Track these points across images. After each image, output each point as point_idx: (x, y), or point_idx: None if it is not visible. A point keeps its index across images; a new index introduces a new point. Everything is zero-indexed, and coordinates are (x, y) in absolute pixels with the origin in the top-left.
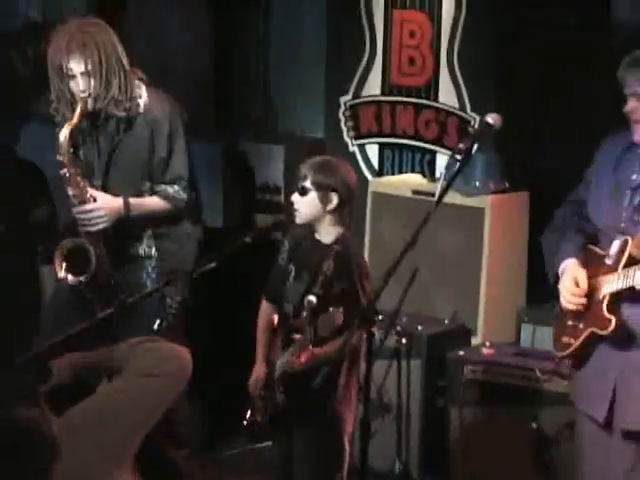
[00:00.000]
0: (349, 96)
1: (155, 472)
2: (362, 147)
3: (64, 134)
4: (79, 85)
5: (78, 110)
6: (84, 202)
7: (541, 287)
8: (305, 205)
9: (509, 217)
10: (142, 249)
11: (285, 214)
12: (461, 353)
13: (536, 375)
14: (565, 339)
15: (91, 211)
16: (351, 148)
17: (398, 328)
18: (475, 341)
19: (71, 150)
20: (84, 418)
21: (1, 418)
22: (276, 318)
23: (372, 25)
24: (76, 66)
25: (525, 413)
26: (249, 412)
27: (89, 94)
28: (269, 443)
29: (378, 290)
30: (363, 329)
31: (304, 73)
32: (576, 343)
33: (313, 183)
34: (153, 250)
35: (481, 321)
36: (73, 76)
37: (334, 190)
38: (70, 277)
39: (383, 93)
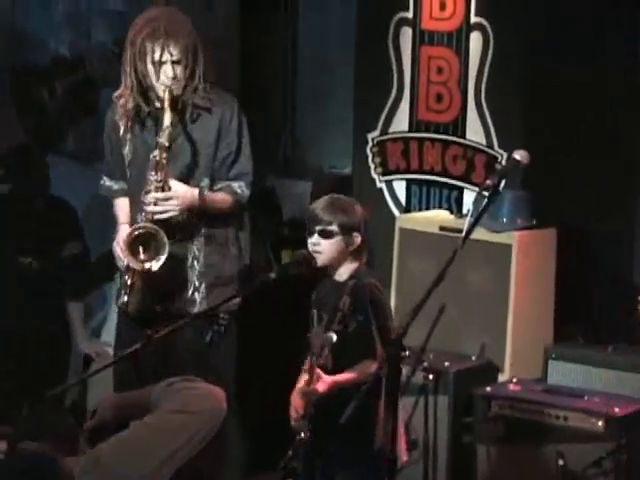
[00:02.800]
0: (377, 132)
1: None
2: (389, 183)
3: (168, 117)
4: (169, 72)
5: (167, 95)
6: (161, 189)
7: (568, 324)
8: (329, 248)
9: (536, 253)
10: (192, 252)
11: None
12: (488, 389)
13: (563, 412)
14: None
15: (167, 199)
16: (378, 184)
17: (425, 364)
18: (502, 378)
19: (170, 135)
20: (112, 450)
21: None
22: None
23: (400, 61)
24: (169, 53)
25: (552, 450)
26: (289, 454)
27: (177, 81)
28: None
29: (405, 326)
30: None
31: (332, 109)
32: None
33: (339, 226)
34: (202, 255)
35: (508, 358)
36: (163, 63)
37: (356, 230)
38: (147, 265)
39: (410, 129)
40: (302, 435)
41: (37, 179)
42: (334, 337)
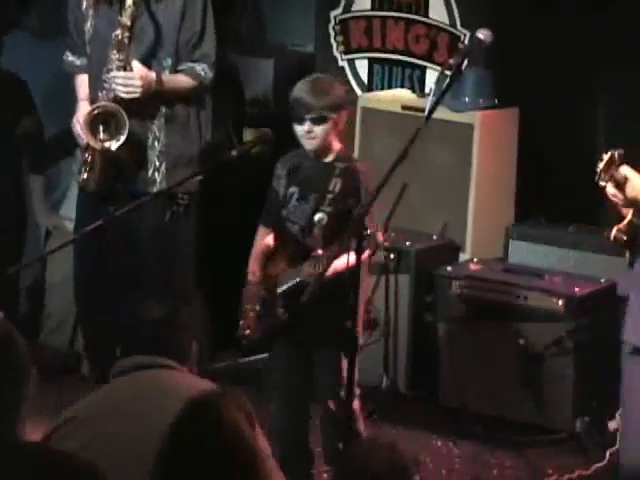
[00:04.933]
0: (339, 10)
1: None
2: (352, 62)
3: None
4: None
5: None
6: (123, 69)
7: (529, 204)
8: (323, 132)
9: (498, 133)
10: (153, 132)
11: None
12: (449, 269)
13: (523, 292)
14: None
15: (130, 78)
16: (340, 63)
17: (386, 243)
18: (463, 257)
19: (132, 14)
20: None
21: None
22: (272, 241)
23: None
24: None
25: (512, 329)
26: (241, 326)
27: None
28: (259, 356)
29: (366, 205)
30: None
31: None
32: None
33: (329, 109)
34: (162, 135)
35: (469, 237)
36: None
37: (344, 108)
38: (106, 144)
39: (373, 8)
40: (256, 308)
41: None
42: (325, 218)
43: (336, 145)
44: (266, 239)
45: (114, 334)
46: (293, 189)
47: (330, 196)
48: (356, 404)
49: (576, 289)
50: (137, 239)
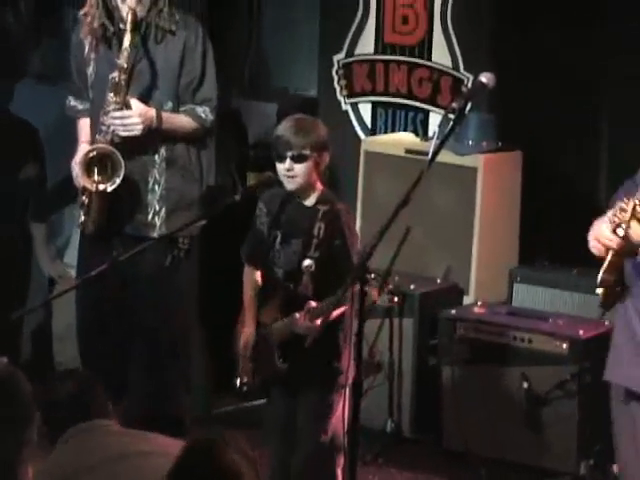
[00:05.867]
0: (342, 54)
1: (160, 425)
2: (355, 106)
3: (127, 39)
4: None
5: (130, 17)
6: (121, 109)
7: (533, 247)
8: (303, 172)
9: (502, 176)
10: (153, 176)
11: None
12: (453, 312)
13: (528, 335)
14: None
15: (128, 117)
16: (344, 107)
17: (390, 287)
18: (467, 300)
19: (129, 57)
20: None
21: None
22: (260, 280)
23: None
24: None
25: (516, 372)
26: (238, 374)
27: (141, 4)
28: (260, 401)
29: (370, 249)
30: (355, 286)
31: (298, 31)
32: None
33: (311, 148)
34: (163, 179)
35: (473, 280)
36: None
37: (326, 149)
38: (101, 186)
39: (376, 52)
40: (249, 354)
41: None
42: (313, 264)
43: (318, 186)
44: (255, 278)
45: (116, 381)
46: (275, 232)
47: (315, 241)
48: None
49: (580, 332)
50: (137, 283)
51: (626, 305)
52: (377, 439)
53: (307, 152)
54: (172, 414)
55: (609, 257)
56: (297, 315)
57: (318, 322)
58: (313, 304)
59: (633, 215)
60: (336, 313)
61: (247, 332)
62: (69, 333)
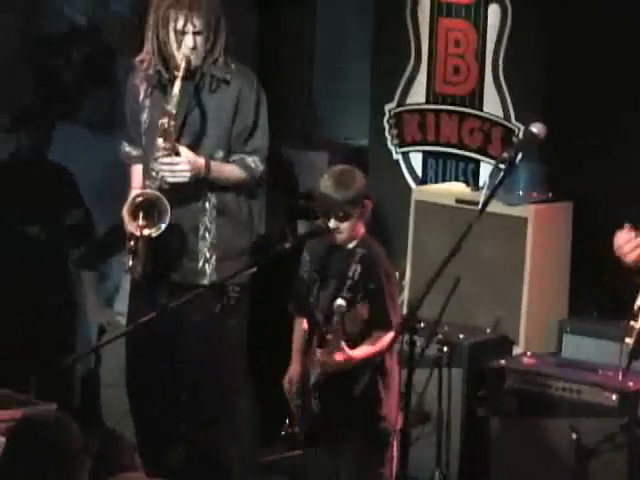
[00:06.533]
0: (394, 104)
1: (209, 476)
2: (406, 155)
3: (177, 86)
4: (189, 42)
5: (184, 64)
6: (169, 155)
7: (583, 299)
8: (349, 228)
9: (552, 227)
10: (204, 224)
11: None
12: (502, 362)
13: (577, 386)
14: None
15: (176, 164)
16: (395, 156)
17: (440, 337)
18: (516, 351)
19: (178, 103)
20: None
21: None
22: (306, 327)
23: (417, 33)
24: (191, 24)
25: (565, 424)
26: (287, 422)
27: (196, 52)
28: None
29: (420, 298)
30: (402, 335)
31: (349, 80)
32: None
33: (354, 203)
34: (213, 227)
35: (523, 331)
36: (184, 33)
37: (366, 198)
38: (146, 231)
39: (427, 101)
40: (297, 402)
41: (37, 146)
42: (344, 304)
43: (360, 231)
44: (302, 327)
45: (163, 429)
46: (316, 276)
47: (350, 282)
48: None
49: (630, 384)
50: (186, 331)
51: None
52: None
53: (350, 209)
54: (221, 464)
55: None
56: (318, 352)
57: (338, 357)
58: (328, 337)
59: None
60: (364, 354)
61: (291, 370)
62: (118, 381)
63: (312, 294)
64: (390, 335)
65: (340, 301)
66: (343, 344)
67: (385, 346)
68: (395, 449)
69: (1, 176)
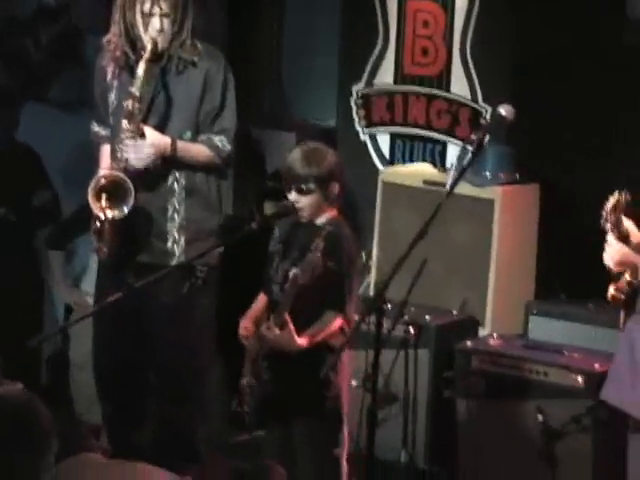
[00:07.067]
0: (361, 85)
1: (177, 455)
2: (373, 136)
3: (142, 67)
4: (155, 25)
5: (150, 47)
6: (134, 138)
7: (550, 280)
8: (309, 203)
9: (519, 209)
10: (172, 205)
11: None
12: (468, 344)
13: (543, 368)
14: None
15: (141, 145)
16: (362, 137)
17: (406, 318)
18: (483, 332)
19: (143, 85)
20: None
21: None
22: (262, 302)
23: (385, 14)
24: (158, 7)
25: (532, 405)
26: (236, 401)
27: (163, 34)
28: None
29: (387, 279)
30: (369, 316)
31: (317, 61)
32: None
33: (315, 181)
34: (182, 208)
35: (489, 312)
36: (151, 15)
37: (334, 179)
38: (109, 212)
39: (395, 82)
40: (247, 381)
41: (5, 126)
42: (300, 274)
43: (330, 212)
44: (258, 302)
45: (131, 410)
46: (279, 248)
47: (309, 254)
48: None
49: (596, 365)
50: (153, 311)
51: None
52: (391, 470)
53: (311, 185)
54: (188, 443)
55: (626, 276)
56: (264, 325)
57: (299, 339)
58: (284, 314)
59: (616, 208)
60: (325, 333)
61: (243, 322)
62: (87, 361)
63: (272, 266)
64: (339, 320)
65: (295, 270)
66: (287, 317)
67: (333, 329)
68: (347, 431)
69: None
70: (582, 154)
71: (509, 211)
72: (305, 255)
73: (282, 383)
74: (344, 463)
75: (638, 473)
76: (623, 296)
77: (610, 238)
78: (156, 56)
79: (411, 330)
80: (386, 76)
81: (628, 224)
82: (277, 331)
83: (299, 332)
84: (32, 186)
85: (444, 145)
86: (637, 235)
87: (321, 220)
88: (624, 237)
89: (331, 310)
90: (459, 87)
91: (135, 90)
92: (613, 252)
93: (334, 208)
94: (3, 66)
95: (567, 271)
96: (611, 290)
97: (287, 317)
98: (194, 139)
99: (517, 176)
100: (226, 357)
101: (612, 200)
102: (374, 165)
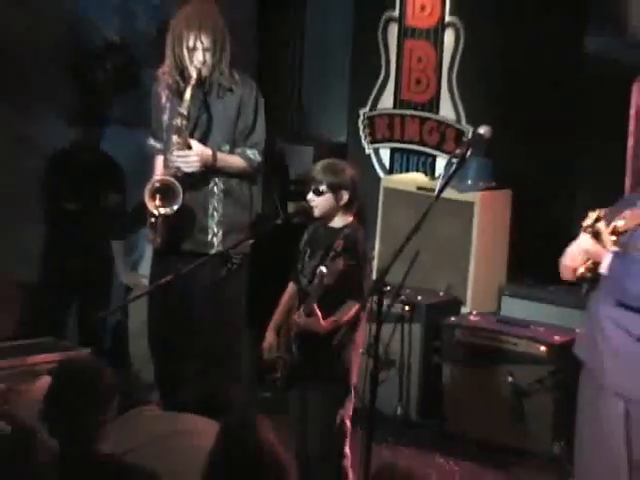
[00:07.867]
0: (367, 108)
1: (211, 409)
2: (376, 150)
3: (189, 92)
4: (199, 57)
5: (195, 76)
6: (182, 149)
7: (519, 268)
8: (321, 203)
9: (495, 210)
10: (212, 204)
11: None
12: (453, 319)
13: (513, 339)
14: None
15: (188, 155)
16: (367, 151)
17: (402, 298)
18: (464, 310)
19: (189, 106)
20: None
21: None
22: (292, 291)
23: (387, 51)
24: (200, 42)
25: (503, 370)
26: (272, 370)
27: (206, 65)
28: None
29: (387, 267)
30: (372, 297)
31: (331, 89)
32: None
33: (327, 185)
34: (220, 207)
35: (470, 294)
36: (195, 49)
37: (344, 188)
38: (161, 210)
39: (395, 107)
40: (280, 354)
41: (89, 139)
42: (325, 270)
43: (347, 218)
44: (291, 291)
45: (178, 370)
46: (307, 248)
47: (332, 254)
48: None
49: (556, 337)
50: (197, 291)
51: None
52: (389, 422)
53: (323, 188)
54: (224, 399)
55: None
56: (296, 313)
57: (324, 323)
58: (313, 305)
59: (595, 222)
60: (346, 318)
61: (267, 336)
62: (143, 329)
63: (301, 263)
64: (358, 306)
65: (322, 268)
66: (316, 307)
67: (353, 314)
68: (353, 397)
69: (62, 160)
70: (547, 166)
71: (487, 212)
72: (328, 254)
73: (304, 354)
74: (347, 421)
75: (582, 403)
76: (590, 274)
77: (583, 235)
78: (200, 82)
79: (406, 308)
80: (387, 101)
81: (604, 232)
82: (306, 318)
83: (324, 316)
84: (106, 190)
85: (434, 158)
86: (608, 241)
87: (338, 224)
88: (596, 236)
89: (351, 299)
90: (446, 111)
91: (183, 110)
92: (584, 243)
93: (351, 215)
94: (82, 90)
95: (533, 260)
96: (580, 270)
97: (315, 307)
98: (231, 151)
99: (493, 183)
100: (253, 328)
101: (593, 217)
102: (377, 174)
